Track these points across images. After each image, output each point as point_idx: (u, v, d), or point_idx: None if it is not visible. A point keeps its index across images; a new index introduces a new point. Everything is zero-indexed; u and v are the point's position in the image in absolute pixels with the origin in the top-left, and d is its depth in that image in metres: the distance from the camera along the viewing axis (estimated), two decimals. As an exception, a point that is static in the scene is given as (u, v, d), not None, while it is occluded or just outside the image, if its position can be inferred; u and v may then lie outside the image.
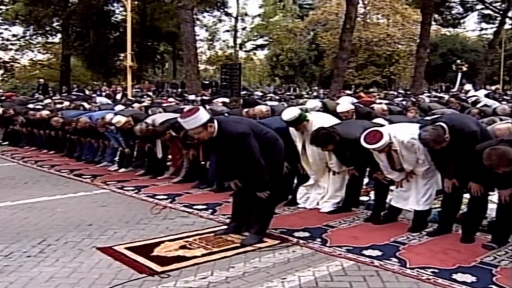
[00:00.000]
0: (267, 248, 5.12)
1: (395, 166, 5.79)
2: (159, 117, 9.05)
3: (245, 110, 10.19)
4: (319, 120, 6.64)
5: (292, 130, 6.70)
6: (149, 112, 11.06)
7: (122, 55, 33.87)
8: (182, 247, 5.19)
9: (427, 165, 5.64)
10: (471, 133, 5.24)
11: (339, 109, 8.70)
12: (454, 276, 4.38)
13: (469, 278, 4.33)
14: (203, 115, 5.04)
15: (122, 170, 10.05)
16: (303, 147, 6.67)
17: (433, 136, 5.15)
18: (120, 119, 9.40)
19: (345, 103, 9.43)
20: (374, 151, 5.71)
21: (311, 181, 6.87)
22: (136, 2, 35.24)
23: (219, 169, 6.40)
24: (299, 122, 6.52)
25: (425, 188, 5.75)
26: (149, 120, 8.96)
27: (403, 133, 5.71)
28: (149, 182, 8.84)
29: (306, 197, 6.89)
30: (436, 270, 4.50)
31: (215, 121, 5.15)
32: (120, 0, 30.46)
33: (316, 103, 9.28)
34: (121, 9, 37.23)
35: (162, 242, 5.35)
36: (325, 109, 9.18)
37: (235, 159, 5.32)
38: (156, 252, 5.04)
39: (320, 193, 6.78)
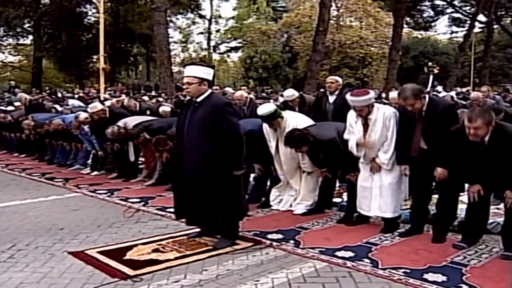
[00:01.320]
0: (240, 251, 5.12)
1: (365, 141, 5.78)
2: (132, 120, 8.98)
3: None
4: (293, 119, 6.70)
5: (265, 128, 6.74)
6: (129, 101, 11.08)
7: (95, 57, 33.54)
8: (155, 250, 5.16)
9: (390, 152, 5.67)
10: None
11: (284, 95, 9.28)
12: (425, 276, 4.43)
13: (439, 278, 4.39)
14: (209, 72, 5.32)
15: (95, 173, 9.99)
16: (276, 146, 6.69)
17: (414, 90, 5.30)
18: (96, 105, 9.38)
19: (290, 91, 9.63)
20: (355, 108, 5.74)
21: (282, 183, 6.90)
22: (109, 4, 34.95)
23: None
24: (274, 118, 6.55)
25: (392, 196, 5.79)
26: (120, 123, 8.89)
27: (386, 108, 5.92)
28: (122, 185, 8.78)
29: (279, 199, 6.92)
30: (408, 270, 4.54)
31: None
32: (93, 2, 30.17)
33: (293, 92, 9.35)
34: (94, 10, 36.90)
35: (135, 245, 5.31)
36: (302, 101, 9.28)
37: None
38: (129, 255, 5.01)
39: (292, 194, 6.82)
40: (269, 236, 5.61)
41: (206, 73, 5.30)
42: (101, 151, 9.88)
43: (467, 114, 4.85)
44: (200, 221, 5.54)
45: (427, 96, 5.50)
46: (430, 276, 4.42)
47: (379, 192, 5.78)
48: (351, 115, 5.91)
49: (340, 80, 9.00)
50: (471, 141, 4.83)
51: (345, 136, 5.98)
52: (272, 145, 6.74)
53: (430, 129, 5.35)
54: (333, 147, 6.12)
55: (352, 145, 5.86)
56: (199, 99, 5.24)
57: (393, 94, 8.82)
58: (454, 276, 4.42)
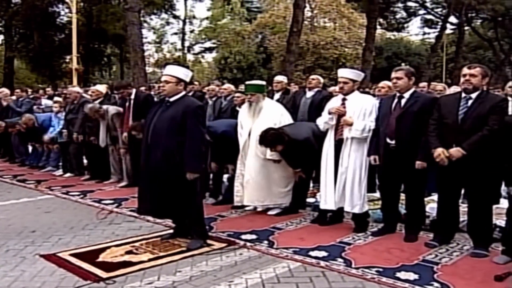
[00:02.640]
0: (214, 252, 5.12)
1: (340, 124, 5.87)
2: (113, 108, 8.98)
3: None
4: (272, 105, 6.79)
5: (241, 114, 6.81)
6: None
7: (68, 57, 33.14)
8: (129, 252, 5.14)
9: (365, 127, 5.74)
10: None
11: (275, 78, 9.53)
12: (398, 274, 4.50)
13: (411, 276, 4.46)
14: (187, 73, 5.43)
15: (68, 175, 9.89)
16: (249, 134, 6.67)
17: (409, 69, 5.62)
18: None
19: (281, 77, 9.80)
20: (341, 79, 5.90)
21: (240, 176, 6.81)
22: (81, 4, 34.56)
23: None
24: (259, 90, 6.67)
25: (360, 192, 5.84)
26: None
27: (369, 96, 6.16)
28: (95, 186, 8.72)
29: (240, 196, 6.84)
30: (381, 269, 4.60)
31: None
32: (65, 2, 29.80)
33: (284, 78, 9.62)
34: (67, 10, 36.39)
35: (108, 247, 5.28)
36: (287, 90, 9.50)
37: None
38: (102, 258, 4.97)
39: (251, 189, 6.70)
40: (243, 236, 5.62)
41: (185, 74, 5.34)
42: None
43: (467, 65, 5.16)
44: (163, 215, 5.62)
45: (413, 88, 5.59)
46: (402, 275, 4.48)
47: (344, 188, 5.84)
48: (331, 101, 6.04)
49: (321, 79, 9.20)
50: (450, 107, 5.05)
51: (318, 120, 6.07)
52: (243, 132, 6.72)
53: (405, 119, 5.41)
54: (307, 146, 6.16)
55: (324, 117, 6.00)
56: (172, 99, 5.25)
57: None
58: (426, 274, 4.49)
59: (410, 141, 5.34)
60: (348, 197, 5.82)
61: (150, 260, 4.89)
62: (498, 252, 4.95)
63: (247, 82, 7.04)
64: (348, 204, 5.84)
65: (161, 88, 5.48)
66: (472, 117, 4.91)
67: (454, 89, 8.11)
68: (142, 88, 13.15)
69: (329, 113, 5.94)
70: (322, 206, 6.03)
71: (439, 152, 4.97)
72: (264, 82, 6.94)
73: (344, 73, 5.93)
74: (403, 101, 5.47)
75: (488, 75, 5.06)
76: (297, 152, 6.33)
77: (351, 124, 5.76)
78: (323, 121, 6.00)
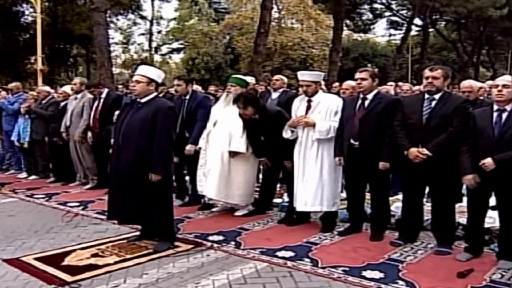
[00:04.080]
0: (181, 253, 5.11)
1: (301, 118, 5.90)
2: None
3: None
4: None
5: (217, 104, 6.85)
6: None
7: (33, 58, 32.55)
8: (94, 255, 5.08)
9: (330, 127, 5.77)
10: None
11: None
12: (364, 273, 4.55)
13: (377, 275, 4.52)
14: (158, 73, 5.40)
15: (33, 177, 9.73)
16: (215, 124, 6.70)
17: (374, 71, 5.66)
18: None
19: (251, 78, 9.81)
20: (303, 82, 5.92)
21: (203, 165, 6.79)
22: (46, 4, 34.00)
23: None
24: (241, 83, 6.73)
25: (331, 191, 5.89)
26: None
27: (335, 96, 6.18)
28: (60, 189, 8.61)
29: (202, 186, 6.82)
30: (347, 268, 4.65)
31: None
32: (29, 1, 29.28)
33: (253, 79, 9.58)
34: (31, 10, 35.74)
35: (74, 250, 5.22)
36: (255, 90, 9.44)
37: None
38: (67, 261, 4.91)
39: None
40: (210, 237, 5.62)
41: (157, 75, 5.32)
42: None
43: (429, 66, 5.22)
44: (133, 220, 5.51)
45: (376, 89, 5.65)
46: (368, 273, 4.54)
47: (315, 187, 5.87)
48: (295, 102, 6.06)
49: (285, 79, 9.17)
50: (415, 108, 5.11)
51: (284, 133, 6.08)
52: (210, 123, 6.73)
53: (369, 120, 5.47)
54: (279, 119, 6.18)
55: (288, 126, 6.01)
56: (143, 100, 5.21)
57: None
58: (391, 273, 4.56)
59: (374, 142, 5.41)
60: (320, 196, 5.87)
61: (116, 262, 4.85)
62: (461, 249, 5.05)
63: (235, 75, 7.16)
64: (319, 203, 5.89)
65: (132, 88, 5.42)
66: (436, 117, 5.00)
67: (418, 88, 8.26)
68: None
69: (293, 126, 5.97)
70: (301, 208, 6.02)
71: (415, 153, 5.04)
72: (250, 79, 6.89)
73: (304, 76, 5.96)
74: (366, 102, 5.53)
75: (449, 76, 5.16)
76: (267, 127, 6.30)
77: (314, 125, 5.80)
78: (288, 135, 6.04)
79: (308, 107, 5.93)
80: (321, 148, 5.85)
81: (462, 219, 5.41)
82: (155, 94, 5.32)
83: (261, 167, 6.71)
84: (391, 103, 5.53)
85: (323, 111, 5.84)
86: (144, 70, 5.29)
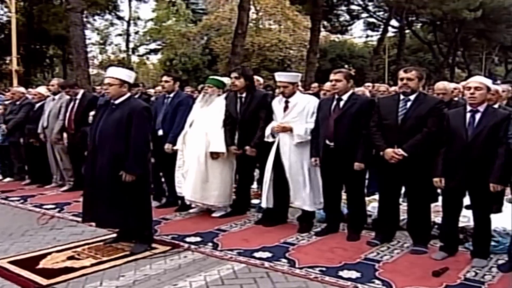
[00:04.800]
0: (158, 255, 5.09)
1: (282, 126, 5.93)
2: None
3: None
4: (221, 100, 6.73)
5: (195, 105, 6.80)
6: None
7: (8, 58, 32.15)
8: (70, 258, 5.04)
9: (306, 131, 5.81)
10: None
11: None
12: (341, 273, 4.58)
13: (354, 274, 4.55)
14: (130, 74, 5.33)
15: (7, 179, 9.61)
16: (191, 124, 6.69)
17: (348, 71, 5.68)
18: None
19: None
20: (280, 83, 5.96)
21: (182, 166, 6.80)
22: (21, 3, 33.58)
23: None
24: (218, 84, 6.74)
25: (312, 191, 5.92)
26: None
27: (312, 97, 6.24)
28: (36, 191, 8.51)
29: (180, 187, 6.82)
30: (324, 269, 4.67)
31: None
32: (4, 1, 28.92)
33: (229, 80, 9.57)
34: (6, 10, 35.29)
35: (49, 253, 5.17)
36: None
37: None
38: (42, 264, 4.86)
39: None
40: (187, 239, 5.60)
41: (128, 75, 5.28)
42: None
43: (403, 67, 5.24)
44: (110, 224, 5.47)
45: (352, 90, 5.70)
46: (345, 273, 4.57)
47: (296, 185, 5.92)
48: (274, 103, 6.10)
49: (261, 80, 9.17)
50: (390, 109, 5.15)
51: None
52: (187, 124, 6.72)
53: (344, 121, 5.50)
54: (264, 103, 6.24)
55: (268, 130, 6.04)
56: (117, 101, 5.18)
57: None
58: (367, 272, 4.60)
59: (349, 142, 5.45)
60: (299, 195, 5.93)
61: (92, 265, 4.82)
62: (436, 248, 5.11)
63: (214, 76, 7.17)
64: (300, 201, 5.95)
65: (105, 91, 5.38)
66: (411, 118, 5.05)
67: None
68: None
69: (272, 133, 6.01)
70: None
71: (391, 153, 5.07)
72: (226, 80, 6.89)
73: (281, 77, 5.98)
74: (341, 103, 5.56)
75: (424, 77, 5.22)
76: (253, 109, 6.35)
77: (291, 130, 5.83)
78: (270, 140, 6.08)
79: (286, 107, 5.95)
80: (301, 148, 5.88)
81: (437, 218, 5.47)
82: (128, 94, 5.29)
83: (235, 160, 6.68)
84: (366, 103, 5.58)
85: (300, 111, 5.86)
86: (114, 72, 5.26)
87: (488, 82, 4.90)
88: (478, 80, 4.86)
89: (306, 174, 5.88)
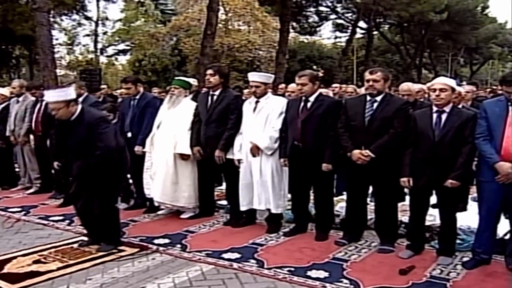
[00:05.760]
0: (126, 257, 5.05)
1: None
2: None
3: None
4: (190, 103, 6.73)
5: (162, 106, 6.76)
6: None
7: (-28, 59, 31.53)
8: (36, 261, 4.97)
9: (273, 139, 5.82)
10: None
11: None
12: (309, 273, 4.61)
13: (322, 274, 4.59)
14: (71, 92, 5.12)
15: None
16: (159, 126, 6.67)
17: (313, 74, 5.65)
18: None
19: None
20: (252, 83, 5.98)
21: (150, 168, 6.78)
22: (-15, 3, 32.99)
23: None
24: (184, 85, 6.73)
25: (273, 191, 5.92)
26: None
27: (281, 98, 6.31)
28: (1, 194, 8.36)
29: (149, 188, 6.79)
30: (292, 269, 4.70)
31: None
32: (-32, 1, 28.36)
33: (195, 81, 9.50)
34: (-31, 10, 34.64)
35: (14, 257, 5.09)
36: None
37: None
38: (7, 269, 4.79)
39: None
40: (156, 241, 5.57)
41: (69, 93, 5.11)
42: None
43: (369, 68, 5.29)
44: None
45: (319, 91, 5.71)
46: (313, 273, 4.60)
47: (261, 187, 5.91)
48: (245, 104, 6.12)
49: (195, 82, 9.19)
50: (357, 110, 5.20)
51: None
52: (155, 125, 6.69)
53: (311, 122, 5.53)
54: (236, 104, 6.21)
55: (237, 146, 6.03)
56: (72, 119, 5.12)
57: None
58: (335, 272, 4.64)
59: (316, 143, 5.48)
60: (266, 197, 5.92)
61: (59, 268, 4.76)
62: (403, 247, 5.17)
63: (179, 77, 7.13)
64: (264, 202, 5.93)
65: (56, 116, 5.18)
66: (378, 118, 5.10)
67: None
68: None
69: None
70: (246, 208, 6.10)
71: (358, 155, 5.12)
72: (192, 81, 6.86)
73: (254, 77, 6.00)
74: (308, 104, 5.59)
75: (390, 78, 5.28)
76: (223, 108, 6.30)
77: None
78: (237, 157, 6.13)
79: (255, 108, 5.96)
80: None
81: (404, 217, 5.54)
82: (80, 107, 5.19)
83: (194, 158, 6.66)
84: (333, 105, 5.62)
85: (267, 112, 5.88)
86: (54, 97, 5.10)
87: (453, 83, 4.97)
88: (442, 81, 4.92)
89: (271, 176, 5.89)
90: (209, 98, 6.36)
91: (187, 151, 6.45)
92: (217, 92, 6.31)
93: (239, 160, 6.06)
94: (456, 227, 5.01)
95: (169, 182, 6.48)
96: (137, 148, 6.82)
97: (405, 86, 7.21)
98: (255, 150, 5.88)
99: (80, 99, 7.30)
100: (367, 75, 5.20)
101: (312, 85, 5.58)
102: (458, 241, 5.09)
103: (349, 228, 5.57)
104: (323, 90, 7.97)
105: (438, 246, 5.06)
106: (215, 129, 6.23)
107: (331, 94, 8.89)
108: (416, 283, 4.38)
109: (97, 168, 5.02)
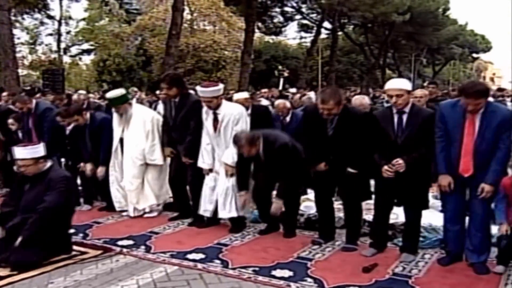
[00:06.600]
0: (89, 259, 4.99)
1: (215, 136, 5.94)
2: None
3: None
4: (142, 111, 6.79)
5: (114, 121, 6.70)
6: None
7: None
8: (-4, 265, 4.85)
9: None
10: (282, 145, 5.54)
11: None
12: (273, 272, 4.63)
13: (286, 273, 4.61)
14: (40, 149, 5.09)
15: None
16: (121, 140, 6.68)
17: (248, 138, 5.41)
18: None
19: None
20: (204, 99, 5.87)
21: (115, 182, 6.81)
22: None
23: None
24: (122, 101, 6.57)
25: (231, 197, 5.92)
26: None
27: (236, 105, 6.21)
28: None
29: (119, 202, 6.81)
30: (257, 268, 4.71)
31: None
32: None
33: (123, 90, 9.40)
34: None
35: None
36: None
37: None
38: (-35, 274, 4.66)
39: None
40: (120, 242, 5.51)
41: (38, 151, 5.05)
42: None
43: (320, 95, 5.17)
44: None
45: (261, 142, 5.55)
46: (278, 272, 4.62)
47: (223, 193, 5.90)
48: (203, 113, 6.05)
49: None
50: (319, 123, 5.19)
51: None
52: (116, 133, 6.68)
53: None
54: (196, 109, 6.17)
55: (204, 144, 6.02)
56: (38, 173, 5.04)
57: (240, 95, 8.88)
58: (300, 271, 4.66)
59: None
60: (223, 203, 5.91)
61: (20, 272, 4.63)
62: (367, 245, 5.24)
63: (109, 96, 6.78)
64: (223, 209, 5.93)
65: (25, 173, 5.07)
66: (340, 134, 5.16)
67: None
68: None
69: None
70: (208, 214, 6.12)
71: (323, 167, 5.25)
72: (122, 91, 6.76)
73: (205, 93, 5.84)
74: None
75: (342, 99, 5.16)
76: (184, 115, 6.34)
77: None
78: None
79: (215, 120, 5.93)
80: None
81: (367, 216, 5.60)
82: (49, 164, 5.13)
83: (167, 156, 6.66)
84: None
85: (230, 121, 5.87)
86: (24, 154, 5.01)
87: (407, 85, 4.94)
88: (397, 87, 4.87)
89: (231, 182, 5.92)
90: (172, 104, 6.42)
91: (158, 162, 6.60)
92: (177, 99, 6.37)
93: (206, 171, 6.10)
94: (420, 225, 5.10)
95: (140, 191, 6.64)
96: (100, 170, 6.79)
97: (357, 100, 7.28)
98: (228, 169, 5.87)
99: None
100: (321, 106, 5.09)
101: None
102: (420, 239, 5.18)
103: (321, 227, 5.61)
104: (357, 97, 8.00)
105: (401, 243, 5.14)
106: (180, 134, 6.32)
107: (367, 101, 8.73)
108: (379, 281, 4.43)
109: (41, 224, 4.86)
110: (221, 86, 6.05)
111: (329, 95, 5.05)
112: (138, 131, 6.56)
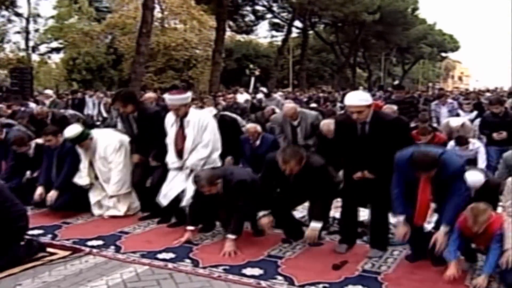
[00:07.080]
0: (57, 261, 4.92)
1: (180, 145, 5.91)
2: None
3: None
4: (104, 137, 6.65)
5: (82, 157, 6.67)
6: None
7: None
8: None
9: (204, 155, 5.83)
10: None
11: None
12: (244, 271, 4.64)
13: (257, 271, 4.62)
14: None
15: None
16: (90, 164, 6.67)
17: (208, 177, 5.29)
18: None
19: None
20: (172, 106, 5.84)
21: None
22: None
23: None
24: (82, 139, 6.49)
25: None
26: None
27: (203, 112, 6.35)
28: None
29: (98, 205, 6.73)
30: (227, 267, 4.71)
31: None
32: None
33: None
34: None
35: None
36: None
37: None
38: None
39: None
40: (89, 243, 5.45)
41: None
42: None
43: (281, 155, 5.06)
44: None
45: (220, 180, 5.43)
46: (248, 271, 4.63)
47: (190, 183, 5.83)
48: (168, 120, 6.01)
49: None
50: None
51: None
52: (84, 162, 6.65)
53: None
54: (157, 119, 6.21)
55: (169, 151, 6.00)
56: None
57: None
58: (270, 269, 4.69)
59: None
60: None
61: (-15, 275, 4.58)
62: (336, 242, 5.30)
63: (68, 137, 6.51)
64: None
65: None
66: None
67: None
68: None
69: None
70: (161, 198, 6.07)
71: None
72: (80, 129, 6.56)
73: (173, 101, 5.81)
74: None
75: (303, 158, 5.08)
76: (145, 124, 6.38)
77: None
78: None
79: (181, 126, 5.91)
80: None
81: (337, 213, 5.65)
82: None
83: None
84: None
85: (195, 129, 5.84)
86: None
87: (366, 99, 4.92)
88: (355, 104, 4.83)
89: None
90: (131, 119, 6.49)
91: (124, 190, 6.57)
92: (135, 114, 6.42)
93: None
94: (388, 223, 5.16)
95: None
96: (51, 193, 6.60)
97: (325, 126, 7.16)
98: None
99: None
100: (282, 165, 5.05)
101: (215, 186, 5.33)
102: (390, 235, 5.25)
103: (291, 228, 5.64)
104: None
105: (369, 239, 5.20)
106: (145, 147, 6.42)
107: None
108: (348, 278, 4.47)
109: None
110: (189, 93, 6.02)
111: (290, 155, 5.02)
112: (105, 159, 6.58)
